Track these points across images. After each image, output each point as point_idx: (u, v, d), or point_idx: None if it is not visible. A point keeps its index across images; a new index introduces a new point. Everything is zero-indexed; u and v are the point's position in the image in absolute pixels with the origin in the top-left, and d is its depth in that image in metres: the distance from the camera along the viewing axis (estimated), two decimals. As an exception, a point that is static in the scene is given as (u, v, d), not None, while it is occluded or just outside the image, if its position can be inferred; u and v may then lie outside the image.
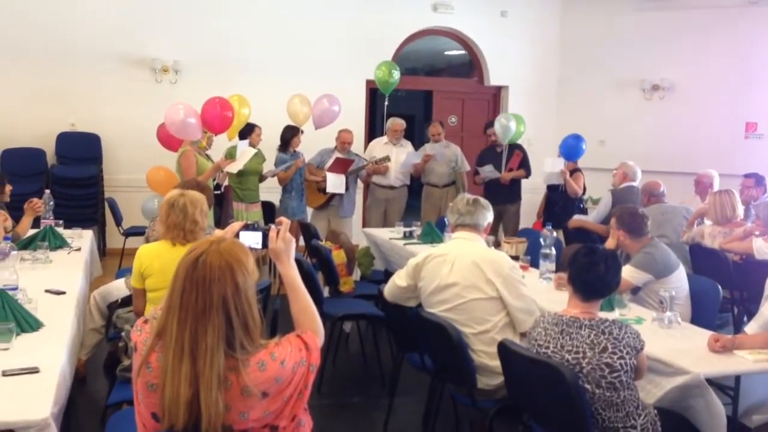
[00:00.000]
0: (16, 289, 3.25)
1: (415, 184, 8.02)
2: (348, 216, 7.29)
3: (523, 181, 7.76)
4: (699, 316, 3.88)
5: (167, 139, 6.66)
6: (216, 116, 6.09)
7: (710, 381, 2.81)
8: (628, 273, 3.86)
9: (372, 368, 4.95)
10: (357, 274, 5.89)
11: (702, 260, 5.28)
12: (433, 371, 3.65)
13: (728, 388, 2.95)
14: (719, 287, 4.06)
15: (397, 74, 7.78)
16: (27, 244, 4.69)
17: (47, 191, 5.48)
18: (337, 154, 7.08)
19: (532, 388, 2.82)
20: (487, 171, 7.33)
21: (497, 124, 7.38)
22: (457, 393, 3.49)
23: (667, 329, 3.37)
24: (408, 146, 7.66)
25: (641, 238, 4.06)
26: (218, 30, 8.58)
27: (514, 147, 7.53)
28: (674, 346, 3.11)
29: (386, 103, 8.07)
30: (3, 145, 7.92)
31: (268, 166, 7.00)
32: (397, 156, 7.42)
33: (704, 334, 3.24)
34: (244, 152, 6.28)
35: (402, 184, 7.60)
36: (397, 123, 7.58)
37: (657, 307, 3.64)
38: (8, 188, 4.95)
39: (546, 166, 7.24)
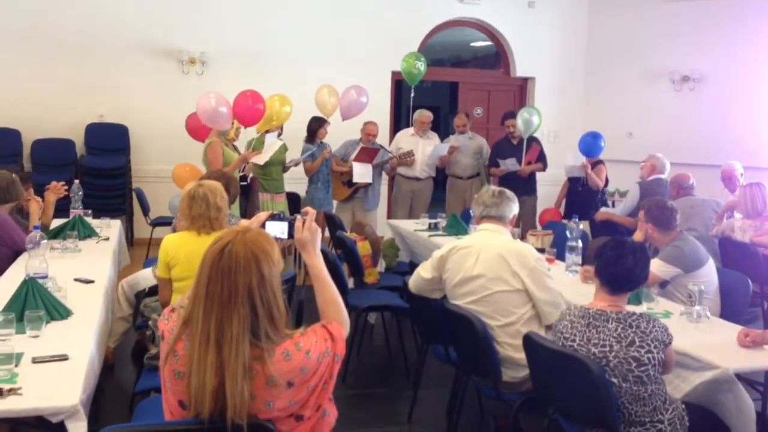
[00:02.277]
0: (46, 277, 3.30)
1: (440, 176, 8.01)
2: (373, 209, 7.29)
3: (543, 174, 7.71)
4: (728, 311, 3.83)
5: (195, 130, 6.70)
6: (247, 109, 6.11)
7: (739, 376, 2.77)
8: (657, 267, 3.82)
9: (396, 359, 4.96)
10: (382, 265, 5.89)
11: (732, 254, 5.20)
12: (458, 363, 3.64)
13: (758, 383, 2.92)
14: (749, 281, 4.01)
15: (421, 65, 7.75)
16: (56, 234, 4.75)
17: (76, 181, 5.55)
18: (362, 145, 7.08)
19: (558, 381, 2.80)
20: (509, 164, 7.30)
21: (519, 119, 7.34)
22: (482, 385, 3.48)
23: (695, 323, 3.33)
24: (435, 138, 7.65)
25: (670, 232, 4.01)
26: (244, 21, 8.61)
27: (531, 140, 7.49)
28: (703, 340, 3.07)
29: (412, 94, 8.05)
30: (33, 136, 8.04)
31: (291, 157, 7.02)
32: (423, 148, 7.41)
33: (734, 329, 3.19)
34: (271, 144, 6.30)
35: (428, 175, 7.59)
36: (424, 115, 7.56)
37: (685, 301, 3.60)
38: (30, 191, 4.91)
39: (568, 158, 7.19)
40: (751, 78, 8.87)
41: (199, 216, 3.46)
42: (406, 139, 7.58)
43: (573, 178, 7.25)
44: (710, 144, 8.82)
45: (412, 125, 7.74)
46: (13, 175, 4.44)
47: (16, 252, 4.22)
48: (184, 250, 3.42)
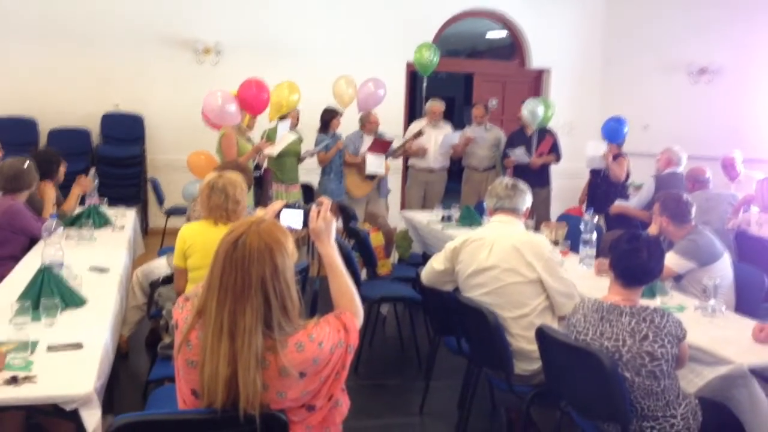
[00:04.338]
0: (61, 265, 3.32)
1: (456, 167, 7.98)
2: (383, 196, 7.29)
3: (562, 166, 7.66)
4: (743, 305, 3.80)
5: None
6: (252, 97, 6.10)
7: (754, 371, 2.75)
8: (671, 260, 3.79)
9: (409, 351, 4.97)
10: (395, 256, 5.89)
11: (748, 248, 5.16)
12: (470, 355, 3.64)
13: (772, 378, 2.89)
14: (765, 276, 3.97)
15: (433, 55, 7.69)
16: (72, 222, 4.79)
17: (92, 170, 5.58)
18: (366, 136, 7.06)
19: (570, 375, 2.80)
20: (518, 154, 7.25)
21: (525, 110, 7.30)
22: (494, 377, 3.48)
23: (710, 318, 3.31)
24: (447, 128, 7.62)
25: (685, 225, 3.98)
26: (259, 11, 8.60)
27: (545, 131, 7.44)
28: (717, 335, 3.05)
29: (425, 84, 8.01)
30: (50, 125, 8.09)
31: (305, 147, 7.02)
32: (436, 138, 7.38)
33: (749, 324, 3.17)
34: (285, 136, 6.30)
35: (441, 166, 7.56)
36: (435, 104, 7.53)
37: (700, 296, 3.57)
38: (62, 169, 5.02)
39: (588, 149, 7.10)
40: (769, 70, 8.78)
41: (216, 207, 3.49)
42: (418, 129, 7.57)
43: (594, 170, 7.17)
44: (727, 137, 8.73)
45: (424, 116, 7.72)
46: (25, 164, 4.41)
47: (32, 239, 4.26)
48: (201, 240, 3.44)
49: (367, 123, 7.11)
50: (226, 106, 5.87)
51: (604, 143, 7.01)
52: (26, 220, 4.22)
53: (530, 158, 7.28)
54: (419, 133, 7.19)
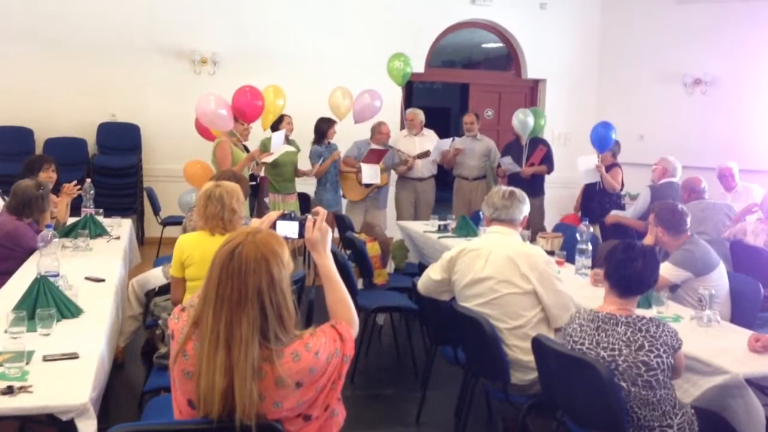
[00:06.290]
0: (57, 276, 3.31)
1: (449, 176, 7.98)
2: (383, 208, 7.29)
3: (557, 175, 7.66)
4: (739, 315, 3.81)
5: (205, 130, 6.72)
6: (246, 105, 6.10)
7: (750, 381, 2.76)
8: (667, 270, 3.80)
9: (405, 360, 4.96)
10: (391, 266, 5.89)
11: (743, 258, 5.17)
12: (466, 365, 3.64)
13: (768, 388, 2.90)
14: (761, 286, 3.98)
15: (401, 64, 7.69)
16: (68, 232, 4.78)
17: (88, 180, 5.58)
18: (373, 145, 7.07)
19: (567, 385, 2.79)
20: (507, 163, 7.23)
21: (515, 120, 7.31)
22: (490, 387, 3.48)
23: (705, 328, 3.31)
24: (431, 135, 7.60)
25: (680, 235, 3.99)
26: (256, 22, 8.63)
27: (538, 141, 7.43)
28: (713, 345, 3.05)
29: (401, 94, 7.96)
30: (46, 135, 8.09)
31: (302, 157, 7.03)
32: (421, 146, 7.35)
33: (744, 334, 3.17)
34: (280, 148, 6.32)
35: (430, 174, 7.55)
36: (410, 113, 7.55)
37: (696, 305, 3.58)
38: (51, 174, 5.01)
39: (579, 164, 7.04)
40: (764, 81, 8.81)
41: (212, 216, 3.49)
42: (402, 139, 7.57)
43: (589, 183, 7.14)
44: (722, 147, 8.75)
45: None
46: (40, 191, 4.37)
47: (31, 252, 4.24)
48: (199, 251, 3.44)
49: (377, 133, 7.12)
50: (219, 110, 5.87)
51: (594, 156, 7.00)
52: (29, 240, 4.20)
53: (521, 168, 7.25)
54: (426, 153, 7.19)
